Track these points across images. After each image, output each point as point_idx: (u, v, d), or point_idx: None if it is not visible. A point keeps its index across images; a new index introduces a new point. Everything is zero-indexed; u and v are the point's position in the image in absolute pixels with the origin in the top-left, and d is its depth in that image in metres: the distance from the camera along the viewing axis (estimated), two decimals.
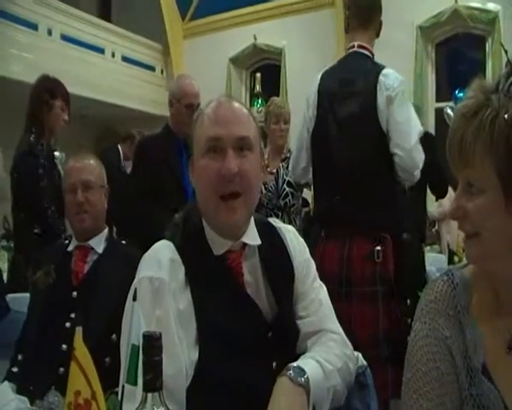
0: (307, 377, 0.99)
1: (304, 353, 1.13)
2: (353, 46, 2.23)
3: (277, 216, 3.24)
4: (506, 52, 0.84)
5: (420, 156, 2.05)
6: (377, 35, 2.29)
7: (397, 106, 2.04)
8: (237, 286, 1.09)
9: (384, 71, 2.11)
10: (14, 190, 2.63)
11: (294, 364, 1.02)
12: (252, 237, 1.13)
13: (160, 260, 1.06)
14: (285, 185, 3.19)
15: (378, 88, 2.06)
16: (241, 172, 1.06)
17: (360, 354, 1.32)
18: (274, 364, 1.07)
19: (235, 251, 1.11)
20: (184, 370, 1.00)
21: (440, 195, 3.38)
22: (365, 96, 2.08)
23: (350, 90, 2.14)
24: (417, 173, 2.08)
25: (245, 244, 1.12)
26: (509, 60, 0.81)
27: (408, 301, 2.09)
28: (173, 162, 2.59)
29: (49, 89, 2.75)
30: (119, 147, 5.09)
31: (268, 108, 3.38)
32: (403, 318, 2.04)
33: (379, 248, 1.99)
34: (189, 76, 2.98)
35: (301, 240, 1.24)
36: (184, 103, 2.61)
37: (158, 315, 1.00)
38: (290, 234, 1.23)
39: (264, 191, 3.10)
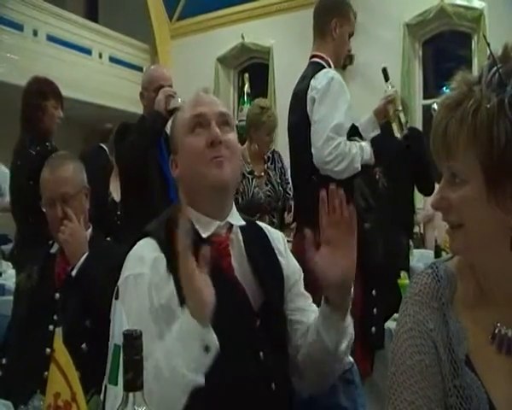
0: None
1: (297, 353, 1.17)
2: (311, 57, 2.33)
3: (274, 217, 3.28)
4: (489, 45, 0.84)
5: (329, 152, 2.05)
6: (340, 38, 2.29)
7: (317, 105, 2.09)
8: (225, 269, 1.11)
9: (317, 74, 2.15)
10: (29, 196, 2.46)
11: None
12: (236, 219, 1.19)
13: (143, 257, 1.07)
14: (280, 188, 3.21)
15: (308, 92, 2.14)
16: (225, 141, 1.14)
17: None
18: (261, 354, 1.07)
19: (221, 235, 1.14)
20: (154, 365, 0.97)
21: (427, 192, 3.37)
22: (301, 103, 2.18)
23: (295, 101, 2.27)
24: (331, 169, 2.06)
25: (231, 228, 1.16)
26: (491, 52, 0.81)
27: (373, 329, 2.10)
28: (153, 152, 2.56)
29: (40, 91, 2.72)
30: (104, 146, 5.01)
31: (259, 117, 3.17)
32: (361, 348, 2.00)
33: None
34: (157, 65, 2.97)
35: (287, 247, 1.29)
36: (153, 88, 2.53)
37: (134, 307, 1.01)
38: (279, 238, 1.27)
39: (263, 197, 3.10)
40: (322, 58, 2.25)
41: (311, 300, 1.26)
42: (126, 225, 2.58)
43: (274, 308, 1.15)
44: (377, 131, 2.25)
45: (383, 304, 2.15)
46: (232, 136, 1.18)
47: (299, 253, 2.04)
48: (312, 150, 2.08)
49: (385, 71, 2.45)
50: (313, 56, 2.30)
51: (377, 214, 2.19)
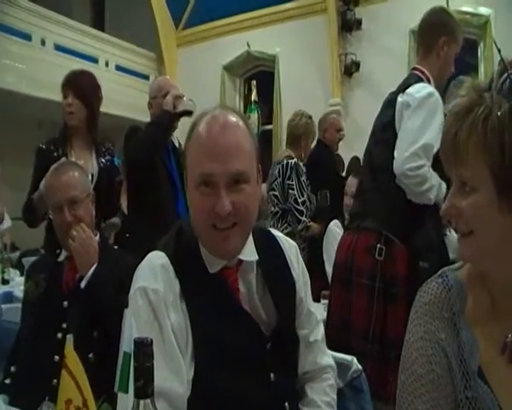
0: None
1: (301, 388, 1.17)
2: (412, 69, 2.28)
3: (283, 218, 3.31)
4: (499, 51, 0.84)
5: (411, 167, 2.00)
6: (438, 55, 2.21)
7: (411, 112, 2.03)
8: (233, 301, 1.08)
9: (416, 84, 2.10)
10: None
11: None
12: (248, 253, 1.11)
13: (156, 271, 1.04)
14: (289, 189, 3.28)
15: (400, 95, 2.09)
16: (235, 207, 1.01)
17: (355, 358, 1.32)
18: (272, 375, 1.06)
19: (230, 267, 1.09)
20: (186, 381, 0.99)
21: None
22: (389, 103, 2.16)
23: (388, 102, 2.21)
24: (408, 185, 2.02)
25: (241, 260, 1.10)
26: (502, 58, 0.81)
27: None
28: (161, 155, 2.55)
29: (62, 87, 2.55)
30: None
31: (310, 127, 3.48)
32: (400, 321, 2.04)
33: (380, 245, 2.02)
34: (164, 76, 2.98)
35: (301, 260, 1.23)
36: (161, 94, 2.53)
37: (158, 327, 0.98)
38: (292, 249, 1.22)
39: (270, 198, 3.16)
40: (423, 73, 2.19)
41: (315, 318, 1.23)
42: (134, 233, 2.57)
43: (286, 328, 1.13)
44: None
45: None
46: (247, 194, 1.03)
47: (341, 249, 2.13)
48: (395, 154, 2.02)
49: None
50: (414, 69, 2.24)
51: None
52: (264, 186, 3.44)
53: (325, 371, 1.20)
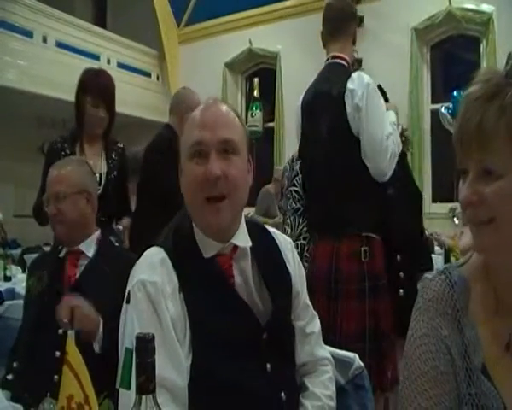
0: None
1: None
2: (328, 58, 2.30)
3: (304, 215, 3.30)
4: None
5: (387, 165, 2.08)
6: (353, 42, 2.31)
7: (364, 115, 2.05)
8: (227, 288, 1.10)
9: (351, 77, 2.12)
10: None
11: None
12: (242, 239, 1.14)
13: (154, 265, 1.06)
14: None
15: (347, 95, 2.09)
16: (225, 175, 1.06)
17: (357, 356, 1.32)
18: (268, 365, 1.07)
19: (225, 254, 1.12)
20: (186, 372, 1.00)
21: None
22: (337, 107, 2.12)
23: (324, 99, 2.20)
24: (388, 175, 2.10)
25: (236, 247, 1.13)
26: None
27: (401, 291, 2.13)
28: None
29: (82, 84, 2.53)
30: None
31: None
32: (393, 310, 2.08)
33: (364, 248, 2.03)
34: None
35: (296, 255, 1.26)
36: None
37: (157, 319, 1.00)
38: (287, 245, 1.25)
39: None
40: (344, 60, 2.24)
41: (312, 311, 1.26)
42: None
43: (281, 318, 1.14)
44: None
45: (411, 268, 2.18)
46: (235, 164, 1.09)
47: (321, 259, 2.10)
48: (368, 164, 2.05)
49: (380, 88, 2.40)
50: (334, 57, 2.27)
51: (402, 183, 2.17)
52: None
53: (323, 364, 1.22)
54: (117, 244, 1.88)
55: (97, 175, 2.35)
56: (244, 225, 1.17)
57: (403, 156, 2.36)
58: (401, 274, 2.15)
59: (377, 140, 2.03)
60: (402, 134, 2.40)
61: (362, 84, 2.07)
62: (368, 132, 2.04)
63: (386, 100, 2.33)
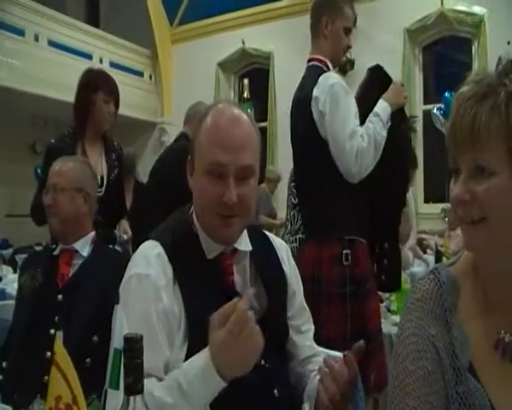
0: None
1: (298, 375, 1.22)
2: (308, 61, 2.25)
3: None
4: (509, 43, 0.82)
5: (354, 163, 2.02)
6: (336, 36, 2.17)
7: (329, 121, 2.02)
8: (227, 285, 1.13)
9: (317, 82, 2.06)
10: None
11: None
12: (244, 244, 1.18)
13: (149, 259, 1.08)
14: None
15: (313, 104, 2.05)
16: (240, 199, 1.08)
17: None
18: (262, 361, 1.08)
19: (226, 254, 1.16)
20: (163, 364, 1.01)
21: None
22: (305, 112, 2.09)
23: (297, 109, 2.20)
24: (362, 175, 2.05)
25: (236, 249, 1.17)
26: None
27: (385, 261, 2.16)
28: None
29: (90, 82, 2.57)
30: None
31: None
32: (376, 311, 2.10)
33: (346, 251, 2.01)
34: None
35: (292, 259, 1.31)
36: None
37: (140, 309, 1.02)
38: (283, 249, 1.30)
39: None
40: (320, 61, 2.17)
41: (308, 313, 1.31)
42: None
43: (277, 316, 1.17)
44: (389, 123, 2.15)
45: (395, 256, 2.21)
46: (249, 187, 1.11)
47: (306, 262, 2.09)
48: (340, 167, 2.03)
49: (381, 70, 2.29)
50: (310, 60, 2.22)
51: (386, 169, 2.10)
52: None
53: (323, 354, 1.25)
54: (110, 246, 1.87)
55: (99, 177, 2.36)
56: (246, 231, 1.21)
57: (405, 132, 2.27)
58: (386, 245, 2.17)
59: (339, 142, 2.00)
60: (409, 119, 2.32)
61: (325, 89, 2.03)
62: (330, 136, 2.02)
63: (390, 81, 2.21)
